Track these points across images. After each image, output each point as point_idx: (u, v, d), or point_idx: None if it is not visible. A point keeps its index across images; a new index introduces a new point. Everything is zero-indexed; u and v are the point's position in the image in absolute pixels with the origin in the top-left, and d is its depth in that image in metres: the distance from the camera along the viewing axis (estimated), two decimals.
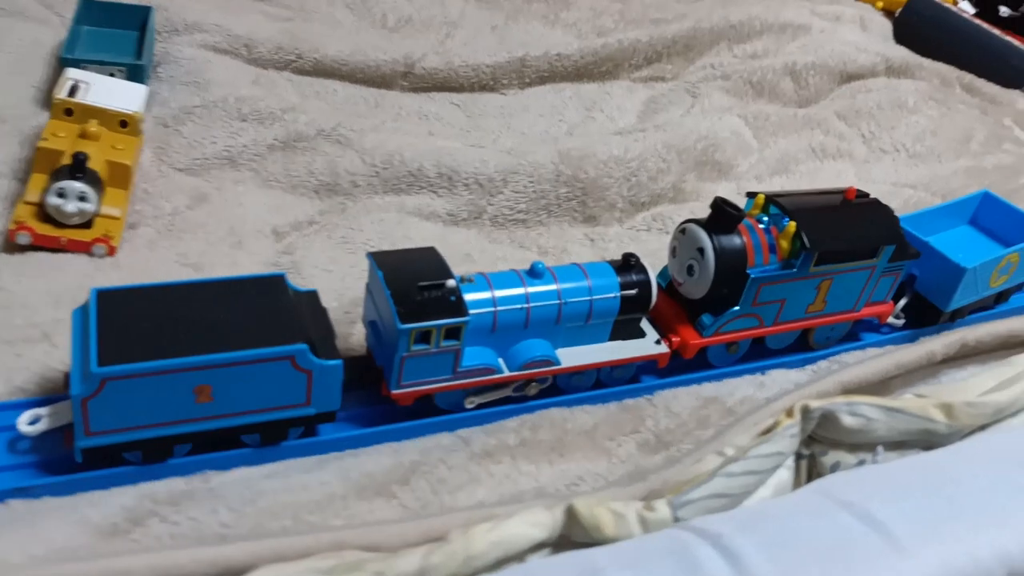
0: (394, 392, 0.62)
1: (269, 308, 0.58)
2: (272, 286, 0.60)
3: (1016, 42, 1.55)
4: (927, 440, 0.54)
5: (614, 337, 0.70)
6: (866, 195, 0.78)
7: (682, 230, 0.71)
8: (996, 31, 1.56)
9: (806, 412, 0.52)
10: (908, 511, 0.43)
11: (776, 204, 0.73)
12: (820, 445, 0.54)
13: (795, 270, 0.71)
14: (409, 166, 0.96)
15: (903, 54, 1.38)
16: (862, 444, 0.53)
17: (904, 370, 0.62)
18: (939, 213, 0.91)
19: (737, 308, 0.71)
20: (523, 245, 0.94)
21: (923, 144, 1.20)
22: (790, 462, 0.54)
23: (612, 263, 0.69)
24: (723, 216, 0.69)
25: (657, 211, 1.01)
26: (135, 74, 0.96)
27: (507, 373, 0.65)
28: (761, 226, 0.72)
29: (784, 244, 0.71)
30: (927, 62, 1.41)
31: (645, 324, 0.72)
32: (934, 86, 1.35)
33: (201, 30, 1.14)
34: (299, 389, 0.58)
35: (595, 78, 1.30)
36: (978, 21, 1.60)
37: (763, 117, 1.17)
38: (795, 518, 0.44)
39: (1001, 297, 0.90)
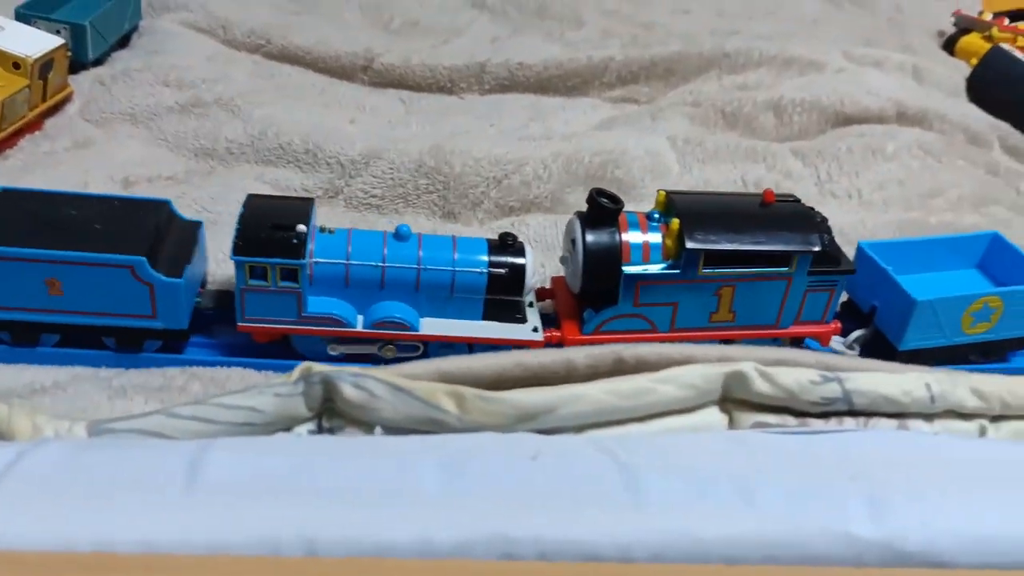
0: (239, 324, 0.66)
1: (134, 224, 0.65)
2: (154, 209, 0.68)
3: None
4: (435, 431, 0.48)
5: (488, 317, 0.69)
6: (792, 199, 0.72)
7: (568, 221, 0.71)
8: None
9: (307, 375, 0.48)
10: None
11: (671, 201, 0.70)
12: (338, 419, 0.50)
13: (679, 272, 0.67)
14: (280, 139, 1.00)
15: (928, 104, 1.22)
16: (365, 422, 0.48)
17: (529, 373, 0.56)
18: (942, 247, 0.83)
19: (616, 306, 0.69)
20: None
21: (881, 193, 1.05)
22: (305, 429, 0.50)
23: (491, 241, 0.69)
24: (597, 209, 0.67)
25: (525, 218, 0.97)
26: (79, 34, 1.07)
27: (357, 328, 0.66)
28: (651, 223, 0.69)
29: (669, 243, 0.68)
30: (956, 115, 1.24)
31: (533, 312, 0.72)
32: (949, 140, 1.18)
33: (188, 9, 1.24)
34: (143, 301, 0.63)
35: (560, 92, 1.27)
36: None
37: (697, 143, 1.09)
38: None
39: (991, 352, 0.77)
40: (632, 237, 0.68)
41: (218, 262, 0.78)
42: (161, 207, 0.68)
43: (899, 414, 0.53)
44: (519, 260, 0.68)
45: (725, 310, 0.70)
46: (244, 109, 1.04)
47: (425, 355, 0.69)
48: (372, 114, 1.17)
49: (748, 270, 0.68)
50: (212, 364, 0.68)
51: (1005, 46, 1.48)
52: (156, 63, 1.11)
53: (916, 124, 1.21)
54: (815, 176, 1.09)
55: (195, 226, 0.70)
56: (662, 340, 0.67)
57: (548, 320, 0.73)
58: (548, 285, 0.79)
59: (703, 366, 0.52)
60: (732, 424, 0.53)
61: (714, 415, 0.53)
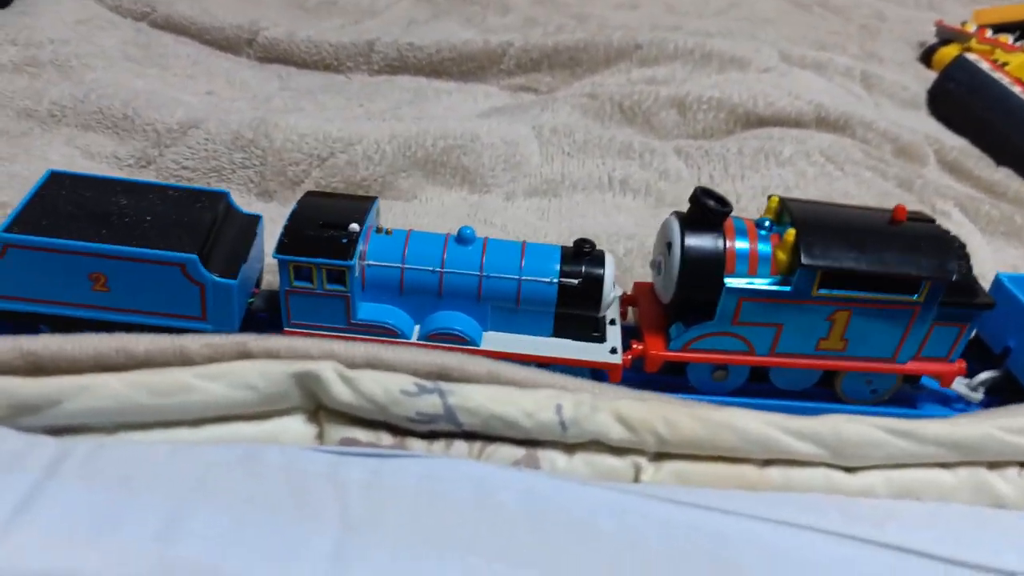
0: (285, 329, 0.59)
1: (188, 218, 0.59)
2: (212, 201, 0.62)
3: None
4: None
5: (560, 333, 0.61)
6: (926, 218, 0.62)
7: (664, 221, 0.62)
8: None
9: None
10: None
11: (787, 209, 0.61)
12: None
13: (791, 289, 0.58)
14: (99, 103, 0.93)
15: (855, 111, 1.09)
16: None
17: (135, 361, 0.46)
18: None
19: (712, 322, 0.60)
20: None
21: (761, 200, 0.93)
22: None
23: (565, 248, 0.61)
24: (701, 209, 0.59)
25: None
26: None
27: (411, 339, 0.59)
28: (761, 232, 0.60)
29: (781, 256, 0.58)
30: (887, 125, 1.10)
31: (615, 330, 0.63)
32: (868, 149, 1.05)
33: None
34: (193, 301, 0.58)
35: (454, 76, 1.18)
36: None
37: (566, 134, 0.98)
38: None
39: None
40: (738, 245, 0.59)
41: None
42: (219, 199, 0.62)
43: (528, 441, 0.42)
44: (596, 271, 0.59)
45: (837, 337, 0.60)
46: (78, 71, 0.98)
47: None
48: (239, 88, 1.10)
49: (870, 295, 0.58)
50: None
51: (971, 57, 1.33)
52: (14, 21, 1.06)
53: (837, 130, 1.08)
54: (696, 178, 0.97)
55: (254, 221, 0.65)
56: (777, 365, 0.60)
57: (630, 332, 0.65)
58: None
59: (265, 363, 0.42)
60: (322, 438, 0.43)
61: (297, 425, 0.43)
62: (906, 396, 0.65)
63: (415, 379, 0.42)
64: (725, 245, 0.59)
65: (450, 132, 0.95)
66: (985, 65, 1.32)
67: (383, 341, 0.55)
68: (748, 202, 0.95)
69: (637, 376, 0.63)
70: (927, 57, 1.49)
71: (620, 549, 0.32)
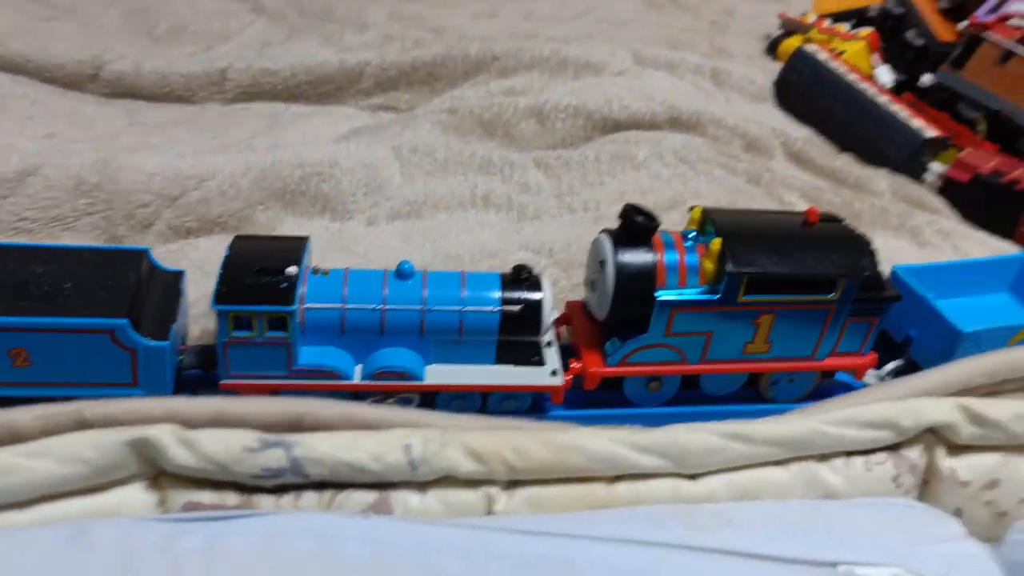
0: (222, 383, 0.57)
1: (111, 280, 0.56)
2: (132, 260, 0.59)
3: (913, 120, 1.25)
4: None
5: (502, 360, 0.61)
6: (836, 219, 0.65)
7: (595, 239, 0.62)
8: (893, 103, 1.28)
9: None
10: None
11: (710, 220, 0.62)
12: None
13: (719, 297, 0.59)
14: None
15: (705, 108, 1.13)
16: None
17: None
18: (973, 271, 0.76)
19: (646, 335, 0.61)
20: None
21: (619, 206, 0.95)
22: None
23: (504, 275, 0.60)
24: (631, 226, 0.60)
25: (203, 241, 0.85)
26: None
27: (353, 380, 0.57)
28: (686, 244, 0.61)
29: (708, 265, 0.60)
30: (736, 120, 1.15)
31: (552, 351, 0.63)
32: (719, 146, 1.09)
33: None
34: (123, 367, 0.55)
35: (312, 100, 1.16)
36: (873, 88, 1.31)
37: (426, 153, 0.98)
38: None
39: None
40: (667, 258, 0.61)
41: None
42: (139, 257, 0.59)
43: (380, 484, 0.42)
44: (535, 295, 0.59)
45: (761, 341, 0.63)
46: None
47: (432, 406, 0.60)
48: (83, 127, 1.05)
49: (790, 297, 0.60)
50: None
51: (810, 48, 1.40)
52: None
53: (689, 129, 1.12)
54: (556, 188, 0.99)
55: (176, 277, 0.62)
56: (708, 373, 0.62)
57: (566, 352, 0.65)
58: None
59: (98, 433, 0.40)
60: (164, 504, 0.41)
61: (137, 494, 0.42)
62: (822, 391, 0.67)
63: (258, 434, 0.41)
64: (655, 260, 0.60)
65: (307, 160, 0.93)
66: (823, 55, 1.39)
67: (265, 387, 0.55)
68: (608, 206, 0.97)
69: (576, 394, 0.65)
70: (773, 49, 1.56)
71: None
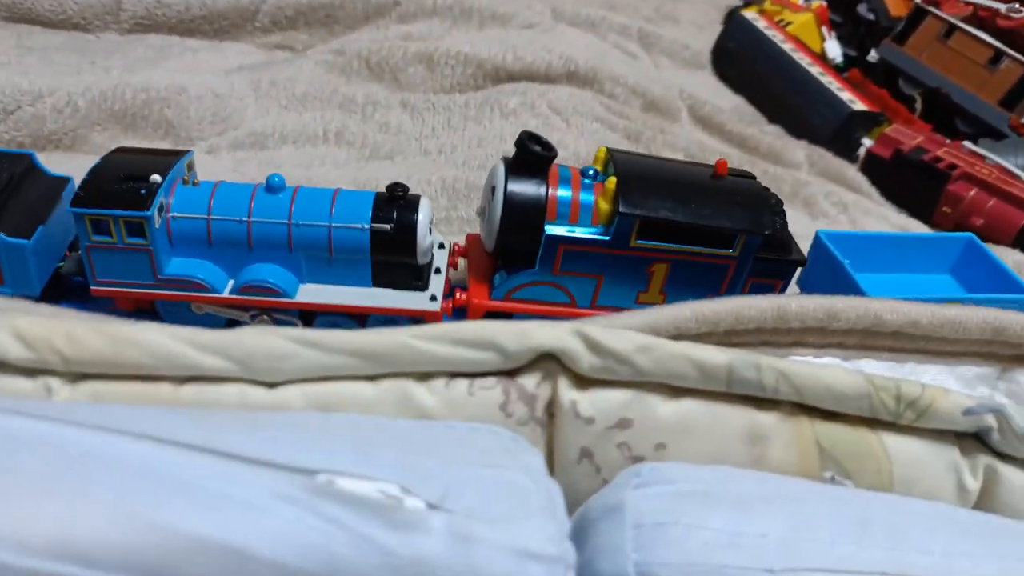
0: (92, 288, 0.57)
1: None
2: (11, 162, 0.60)
3: (842, 92, 1.18)
4: None
5: (380, 282, 0.59)
6: (746, 174, 0.62)
7: (492, 167, 0.61)
8: (825, 75, 1.21)
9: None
10: None
11: (611, 160, 0.60)
12: None
13: (610, 239, 0.57)
14: None
15: (605, 66, 1.08)
16: None
17: None
18: (914, 246, 0.73)
19: (533, 271, 0.59)
20: None
21: (474, 151, 0.92)
22: None
23: (379, 194, 0.58)
24: (526, 154, 0.58)
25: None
26: None
27: (223, 294, 0.57)
28: (585, 180, 0.59)
29: (603, 205, 0.58)
30: (641, 80, 1.10)
31: (439, 278, 0.61)
32: (610, 104, 1.04)
33: None
34: None
35: (208, 35, 1.14)
36: (808, 59, 1.25)
37: (284, 87, 0.95)
38: None
39: None
40: (560, 193, 0.58)
41: None
42: (21, 159, 0.60)
43: None
44: (410, 216, 0.57)
45: (656, 290, 0.61)
46: None
47: (309, 326, 0.60)
48: None
49: (685, 247, 0.58)
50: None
51: (748, 15, 1.34)
52: None
53: (585, 85, 1.07)
54: (418, 131, 0.96)
55: (62, 182, 0.61)
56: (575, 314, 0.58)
57: (462, 285, 0.64)
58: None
59: None
60: None
61: None
62: None
63: None
64: (547, 192, 0.58)
65: (153, 85, 0.91)
66: (762, 23, 1.33)
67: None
68: (462, 152, 0.93)
69: None
70: (730, 19, 1.50)
71: None
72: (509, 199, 0.58)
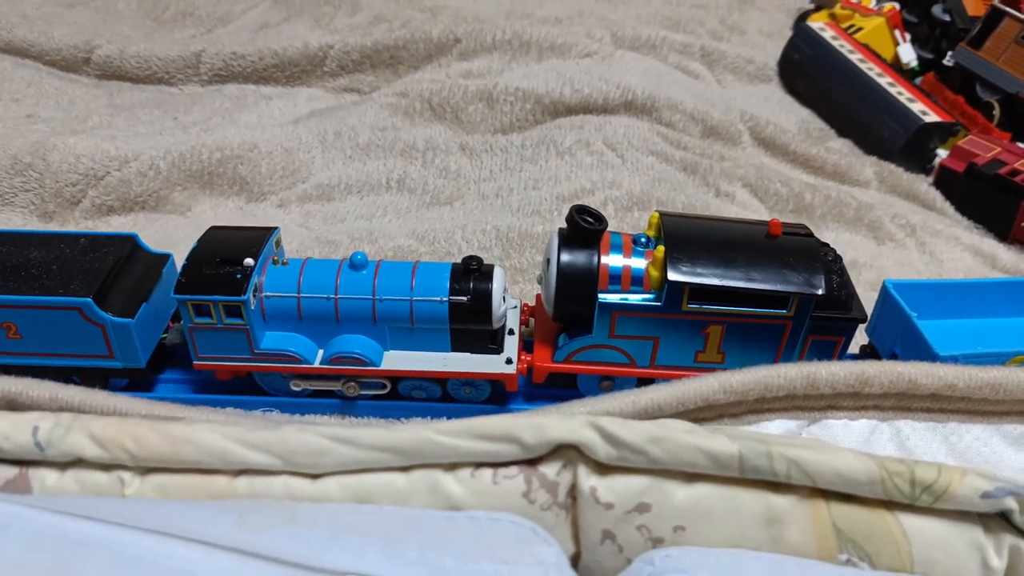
0: (195, 363, 0.63)
1: (92, 263, 0.63)
2: (118, 245, 0.65)
3: (914, 103, 1.16)
4: None
5: (458, 347, 0.64)
6: (803, 231, 0.63)
7: (550, 238, 0.64)
8: (896, 84, 1.19)
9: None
10: None
11: (662, 225, 0.62)
12: None
13: (661, 304, 0.60)
14: None
15: (661, 93, 1.09)
16: None
17: None
18: (994, 292, 0.71)
19: (591, 336, 0.63)
20: None
21: (528, 193, 0.94)
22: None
23: (455, 266, 0.63)
24: (575, 227, 0.61)
25: (126, 220, 0.92)
26: None
27: (314, 364, 0.63)
28: (636, 248, 0.62)
29: (653, 272, 0.61)
30: (698, 104, 1.10)
31: (513, 340, 0.65)
32: (667, 133, 1.05)
33: None
34: (98, 341, 0.62)
35: (281, 82, 1.21)
36: (878, 68, 1.22)
37: (348, 137, 1.00)
38: None
39: None
40: (612, 260, 0.61)
41: None
42: (126, 242, 0.66)
43: (22, 461, 0.45)
44: (485, 286, 0.61)
45: (713, 350, 0.63)
46: None
47: (394, 392, 0.65)
48: (64, 108, 1.14)
49: (739, 310, 0.60)
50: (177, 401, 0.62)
51: (815, 24, 1.32)
52: None
53: (643, 114, 1.08)
54: (476, 174, 0.99)
55: (162, 260, 0.67)
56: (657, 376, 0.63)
57: (529, 346, 0.68)
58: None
59: None
60: None
61: None
62: None
63: None
64: (598, 262, 0.60)
65: (227, 143, 0.97)
66: (829, 33, 1.30)
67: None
68: (517, 195, 0.96)
69: (533, 386, 0.66)
70: (797, 28, 1.47)
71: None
72: (562, 271, 0.60)
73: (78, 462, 0.45)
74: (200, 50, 1.20)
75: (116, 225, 0.91)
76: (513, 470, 0.44)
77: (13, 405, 0.52)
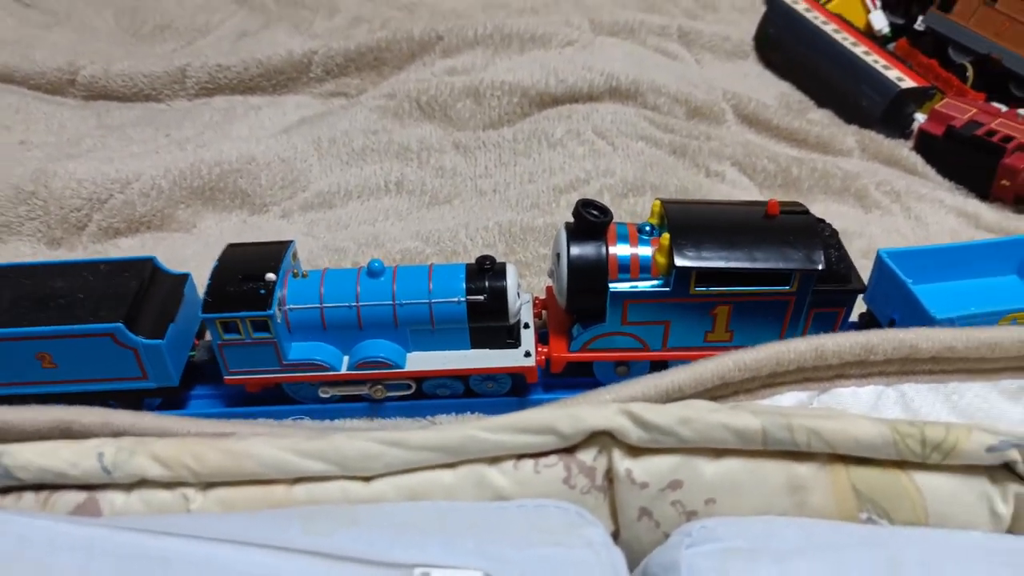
0: (225, 378, 0.65)
1: (116, 288, 0.65)
2: (138, 268, 0.67)
3: (889, 70, 1.19)
4: None
5: (478, 344, 0.66)
6: (801, 210, 0.65)
7: (557, 233, 0.67)
8: (871, 52, 1.22)
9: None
10: None
11: (665, 213, 0.65)
12: None
13: (669, 290, 0.63)
14: None
15: (644, 77, 1.11)
16: None
17: None
18: (984, 253, 0.74)
19: (604, 324, 0.65)
20: None
21: (524, 186, 0.97)
22: None
23: (469, 266, 0.65)
24: (582, 221, 0.63)
25: (133, 241, 0.93)
26: None
27: (341, 371, 0.65)
28: (642, 237, 0.64)
29: (660, 259, 0.63)
30: (681, 86, 1.13)
31: (529, 333, 0.68)
32: (653, 117, 1.07)
33: None
34: (131, 364, 0.64)
35: (267, 91, 1.22)
36: (852, 38, 1.25)
37: (344, 143, 1.02)
38: None
39: None
40: (620, 250, 0.63)
41: None
42: (145, 265, 0.67)
43: (90, 485, 0.48)
44: (499, 284, 0.64)
45: (722, 329, 0.65)
46: None
47: (419, 392, 0.68)
48: (55, 132, 1.15)
49: (744, 289, 0.62)
50: (212, 416, 0.66)
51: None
52: None
53: (628, 99, 1.11)
54: (471, 171, 1.01)
55: (181, 280, 0.69)
56: (671, 359, 0.66)
57: (545, 334, 0.70)
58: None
59: None
60: None
61: None
62: None
63: None
64: (607, 253, 0.63)
65: (225, 157, 0.99)
66: (801, 5, 1.33)
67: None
68: (518, 187, 0.98)
69: (556, 376, 0.69)
70: (769, 2, 1.50)
71: None
72: (573, 265, 0.63)
73: (142, 482, 0.48)
74: (185, 64, 1.21)
75: (124, 246, 0.92)
76: (553, 459, 0.47)
77: (68, 433, 0.54)
